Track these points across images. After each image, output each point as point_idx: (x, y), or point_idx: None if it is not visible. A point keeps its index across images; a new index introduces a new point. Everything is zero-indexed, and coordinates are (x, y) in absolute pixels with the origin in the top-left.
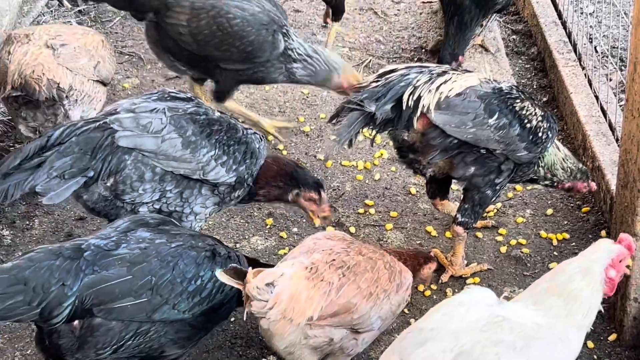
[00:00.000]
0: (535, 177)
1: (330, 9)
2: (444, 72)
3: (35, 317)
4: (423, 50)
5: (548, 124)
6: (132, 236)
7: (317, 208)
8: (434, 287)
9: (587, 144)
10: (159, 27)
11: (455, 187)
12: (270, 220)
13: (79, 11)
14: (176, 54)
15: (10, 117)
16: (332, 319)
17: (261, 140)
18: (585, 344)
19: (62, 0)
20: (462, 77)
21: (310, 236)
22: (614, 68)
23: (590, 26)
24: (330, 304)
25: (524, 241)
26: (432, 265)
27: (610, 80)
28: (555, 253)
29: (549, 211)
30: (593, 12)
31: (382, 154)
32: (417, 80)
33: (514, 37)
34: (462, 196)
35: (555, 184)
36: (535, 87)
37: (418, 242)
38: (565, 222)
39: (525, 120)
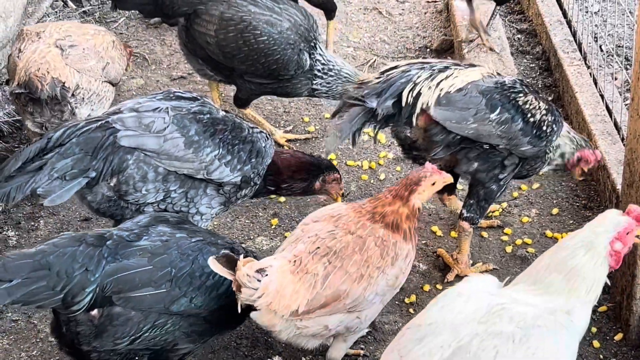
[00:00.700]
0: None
1: (322, 9)
2: (446, 68)
3: (57, 302)
4: (428, 49)
5: (553, 118)
6: (154, 230)
7: (338, 187)
8: (439, 286)
9: (592, 143)
10: (189, 32)
11: (461, 187)
12: (275, 221)
13: (84, 12)
14: (205, 59)
15: (15, 119)
16: (321, 310)
17: (267, 139)
18: (591, 343)
19: (66, 1)
20: (464, 72)
21: (300, 223)
22: (619, 67)
23: (596, 25)
24: (316, 297)
25: (529, 241)
26: (425, 182)
27: (616, 79)
28: None
29: (555, 211)
30: (598, 11)
31: (386, 155)
32: (418, 77)
33: (519, 36)
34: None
35: (566, 161)
36: (540, 86)
37: (423, 241)
38: (571, 222)
39: (529, 115)
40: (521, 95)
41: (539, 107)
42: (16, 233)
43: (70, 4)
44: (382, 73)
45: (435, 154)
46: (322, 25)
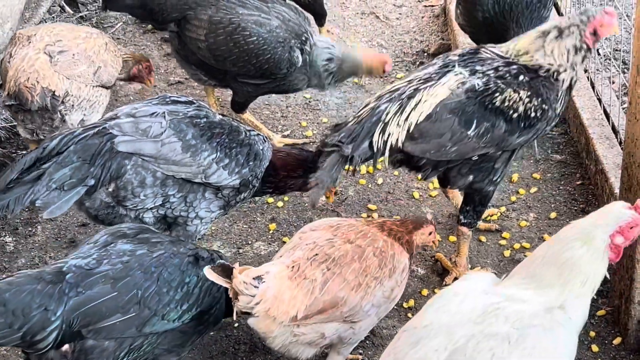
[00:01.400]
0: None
1: (312, 15)
2: (416, 91)
3: (17, 341)
4: (425, 54)
5: (539, 99)
6: (112, 250)
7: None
8: (437, 291)
9: (590, 147)
10: (181, 39)
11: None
12: (273, 226)
13: (81, 17)
14: (197, 64)
15: (13, 124)
16: (319, 316)
17: (265, 141)
18: (589, 347)
19: (64, 6)
20: (432, 92)
21: (298, 231)
22: (617, 71)
23: None
24: (314, 302)
25: (527, 245)
26: (427, 229)
27: (613, 83)
28: None
29: (553, 215)
30: None
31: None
32: (387, 114)
33: None
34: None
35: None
36: None
37: None
38: None
39: (511, 112)
40: (497, 95)
41: (520, 98)
42: (14, 239)
43: (68, 9)
44: (359, 111)
45: (426, 176)
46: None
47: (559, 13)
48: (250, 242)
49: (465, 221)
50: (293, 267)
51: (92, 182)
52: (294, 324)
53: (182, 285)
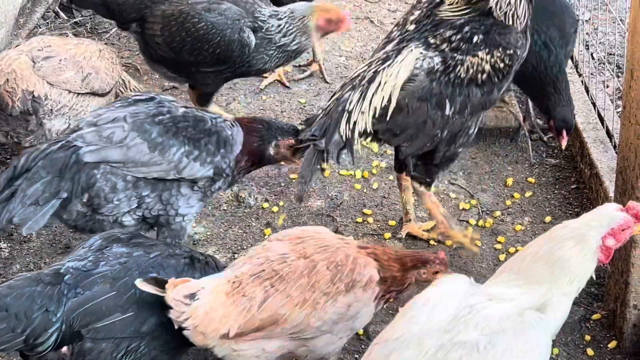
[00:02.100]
0: None
1: None
2: (375, 73)
3: (20, 344)
4: None
5: (500, 49)
6: (109, 253)
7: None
8: None
9: (585, 151)
10: (144, 38)
11: (454, 195)
12: (268, 231)
13: (75, 23)
14: (161, 61)
15: (5, 131)
16: (257, 333)
17: (233, 126)
18: (585, 351)
19: (58, 12)
20: (390, 71)
21: (267, 239)
22: (611, 75)
23: (587, 33)
24: (250, 320)
25: (522, 249)
26: (432, 269)
27: (607, 87)
28: None
29: (548, 219)
30: (589, 19)
31: (379, 164)
32: (349, 103)
33: None
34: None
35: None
36: None
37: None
38: None
39: (479, 75)
40: (458, 68)
41: (481, 59)
42: (8, 245)
43: (62, 14)
44: (327, 103)
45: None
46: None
47: None
48: (245, 248)
49: (414, 174)
50: (234, 282)
51: (65, 194)
52: (228, 341)
53: None
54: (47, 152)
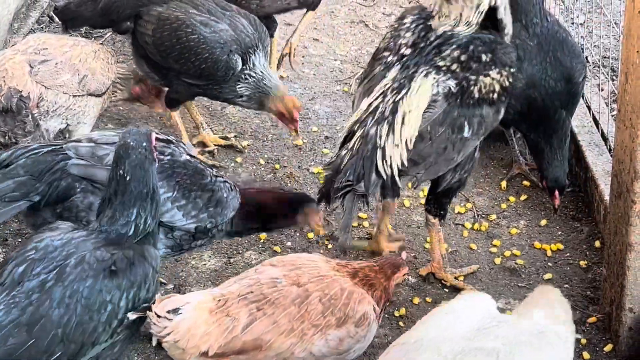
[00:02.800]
0: None
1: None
2: (395, 103)
3: None
4: None
5: (507, 67)
6: (21, 291)
7: (318, 218)
8: (429, 299)
9: (580, 155)
10: (134, 35)
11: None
12: (263, 235)
13: None
14: (147, 60)
15: (3, 131)
16: (238, 356)
17: (231, 190)
18: (580, 354)
19: (53, 17)
20: (412, 101)
21: (261, 264)
22: (606, 78)
23: (581, 36)
24: (233, 341)
25: (518, 252)
26: (403, 271)
27: (602, 90)
28: (549, 264)
29: (543, 222)
30: (584, 22)
31: None
32: (380, 138)
33: None
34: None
35: None
36: None
37: (412, 254)
38: (560, 233)
39: (491, 95)
40: (472, 89)
41: (492, 79)
42: (3, 250)
43: (57, 19)
44: (343, 144)
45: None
46: (312, 39)
47: None
48: (241, 252)
49: (428, 207)
50: (220, 300)
51: (37, 198)
52: (208, 359)
53: (104, 305)
54: (33, 152)
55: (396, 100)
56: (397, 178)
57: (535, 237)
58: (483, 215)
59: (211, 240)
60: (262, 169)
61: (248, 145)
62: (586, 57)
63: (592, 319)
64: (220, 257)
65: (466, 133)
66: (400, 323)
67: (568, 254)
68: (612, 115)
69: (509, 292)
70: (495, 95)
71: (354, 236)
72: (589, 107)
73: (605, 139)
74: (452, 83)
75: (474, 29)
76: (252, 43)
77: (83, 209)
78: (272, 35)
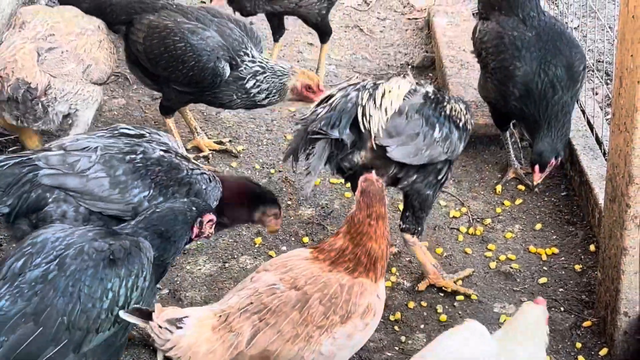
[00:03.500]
0: None
1: (317, 32)
2: (375, 85)
3: None
4: (409, 66)
5: (469, 113)
6: (23, 284)
7: (275, 222)
8: (424, 303)
9: (574, 158)
10: (127, 41)
11: (444, 202)
12: (258, 240)
13: None
14: (140, 67)
15: (16, 115)
16: None
17: (210, 181)
18: (576, 358)
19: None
20: (392, 83)
21: (255, 271)
22: (600, 82)
23: None
24: (239, 356)
25: (513, 256)
26: (371, 182)
27: (596, 94)
28: (544, 268)
29: (538, 226)
30: (578, 26)
31: None
32: (362, 99)
33: None
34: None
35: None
36: None
37: (407, 258)
38: (554, 237)
39: (458, 121)
40: (445, 104)
41: (461, 109)
42: None
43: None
44: (321, 102)
45: (391, 172)
46: (307, 44)
47: None
48: (236, 257)
49: (405, 226)
50: (221, 316)
51: (6, 210)
52: None
53: (106, 293)
54: (0, 165)
55: (377, 83)
56: (372, 133)
57: (530, 241)
58: (478, 220)
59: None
60: (258, 173)
61: (243, 150)
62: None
63: (587, 323)
64: (215, 261)
65: (436, 134)
66: (396, 327)
67: (563, 258)
68: (607, 119)
69: (504, 296)
70: (461, 124)
71: None
72: (583, 111)
73: (599, 142)
74: (430, 89)
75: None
76: (241, 45)
77: (57, 217)
78: (277, 40)
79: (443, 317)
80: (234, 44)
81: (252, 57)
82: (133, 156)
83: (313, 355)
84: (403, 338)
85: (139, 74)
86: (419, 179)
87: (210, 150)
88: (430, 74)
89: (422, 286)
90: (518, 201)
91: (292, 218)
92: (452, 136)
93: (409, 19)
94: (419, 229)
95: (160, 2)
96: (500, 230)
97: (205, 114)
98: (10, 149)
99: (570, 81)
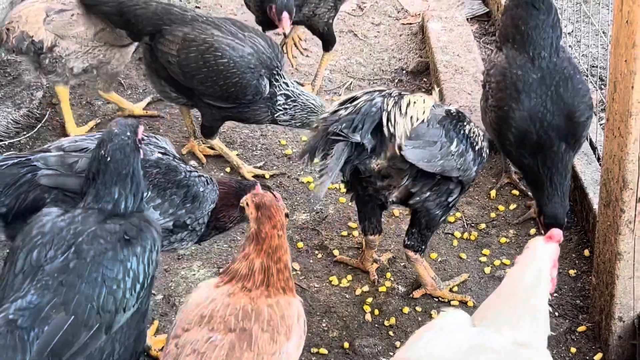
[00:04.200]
0: None
1: (321, 40)
2: (400, 94)
3: None
4: (404, 71)
5: (487, 142)
6: (45, 274)
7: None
8: (418, 308)
9: None
10: (153, 52)
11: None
12: None
13: None
14: (167, 79)
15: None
16: None
17: (207, 183)
18: None
19: None
20: (417, 97)
21: (171, 335)
22: (594, 87)
23: (570, 45)
24: None
25: (508, 261)
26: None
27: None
28: None
29: (532, 231)
30: (572, 31)
31: None
32: (387, 105)
33: None
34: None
35: None
36: None
37: (402, 263)
38: None
39: (474, 143)
40: (465, 123)
41: (479, 133)
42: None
43: None
44: (343, 104)
45: (404, 182)
46: (305, 56)
47: None
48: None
49: (410, 243)
50: None
51: (4, 210)
52: None
53: (127, 272)
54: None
55: (402, 93)
56: (394, 140)
57: (525, 246)
58: (472, 225)
59: (192, 235)
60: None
61: (237, 155)
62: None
63: (581, 328)
64: (209, 267)
65: (453, 147)
66: (390, 332)
67: (557, 263)
68: (601, 124)
69: None
70: (477, 147)
71: (343, 246)
72: None
73: (593, 147)
74: (452, 108)
75: None
76: (274, 64)
77: None
78: (281, 44)
79: None
80: (267, 62)
81: (284, 78)
82: None
83: None
84: (398, 343)
85: (160, 86)
86: (431, 197)
87: (204, 155)
88: (425, 79)
89: (417, 294)
90: (512, 206)
91: (286, 223)
92: (467, 155)
93: (403, 24)
94: (423, 247)
95: (189, 14)
96: (494, 235)
97: (199, 118)
98: (5, 154)
99: (570, 132)
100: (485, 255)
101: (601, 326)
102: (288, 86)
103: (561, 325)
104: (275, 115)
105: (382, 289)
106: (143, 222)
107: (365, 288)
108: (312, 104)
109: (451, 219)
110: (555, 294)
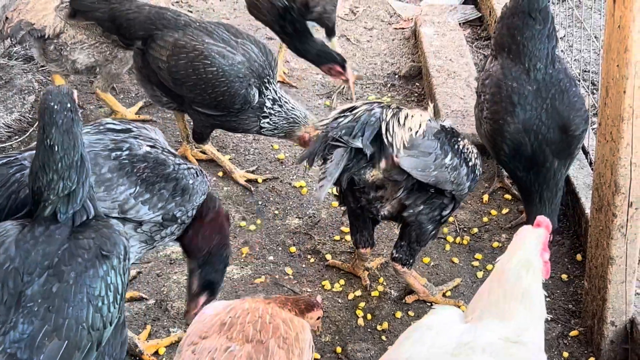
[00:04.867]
0: None
1: (323, 27)
2: (398, 107)
3: None
4: (396, 76)
5: (480, 160)
6: (29, 300)
7: None
8: (411, 313)
9: None
10: (144, 56)
11: None
12: (245, 249)
13: None
14: (157, 84)
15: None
16: None
17: (197, 175)
18: None
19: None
20: (415, 111)
21: (185, 341)
22: (586, 92)
23: (562, 50)
24: None
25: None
26: (316, 313)
27: None
28: None
29: None
30: (564, 36)
31: None
32: (386, 115)
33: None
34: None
35: None
36: None
37: None
38: None
39: (468, 159)
40: (459, 139)
41: (472, 151)
42: None
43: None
44: (342, 112)
45: (398, 194)
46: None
47: None
48: None
49: (398, 256)
50: None
51: None
52: None
53: (108, 287)
54: None
55: (399, 106)
56: (392, 150)
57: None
58: (465, 229)
59: (181, 227)
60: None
61: (230, 159)
62: None
63: (574, 333)
64: None
65: (447, 160)
66: (383, 337)
67: (549, 267)
68: (593, 129)
69: None
70: (471, 164)
71: (336, 250)
72: None
73: (585, 152)
74: (447, 123)
75: None
76: (265, 72)
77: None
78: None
79: None
80: (259, 70)
81: (274, 88)
82: (119, 153)
83: None
84: (390, 348)
85: (151, 91)
86: (424, 211)
87: (196, 159)
88: (417, 84)
89: (410, 299)
90: (505, 210)
91: (279, 228)
92: (460, 170)
93: (395, 28)
94: (411, 261)
95: (182, 18)
96: (487, 240)
97: (191, 122)
98: None
99: (564, 146)
100: (477, 259)
101: (593, 330)
102: (277, 93)
103: (553, 329)
104: (261, 122)
105: (374, 293)
106: (112, 231)
107: (358, 292)
108: (296, 115)
109: None
110: (547, 299)
